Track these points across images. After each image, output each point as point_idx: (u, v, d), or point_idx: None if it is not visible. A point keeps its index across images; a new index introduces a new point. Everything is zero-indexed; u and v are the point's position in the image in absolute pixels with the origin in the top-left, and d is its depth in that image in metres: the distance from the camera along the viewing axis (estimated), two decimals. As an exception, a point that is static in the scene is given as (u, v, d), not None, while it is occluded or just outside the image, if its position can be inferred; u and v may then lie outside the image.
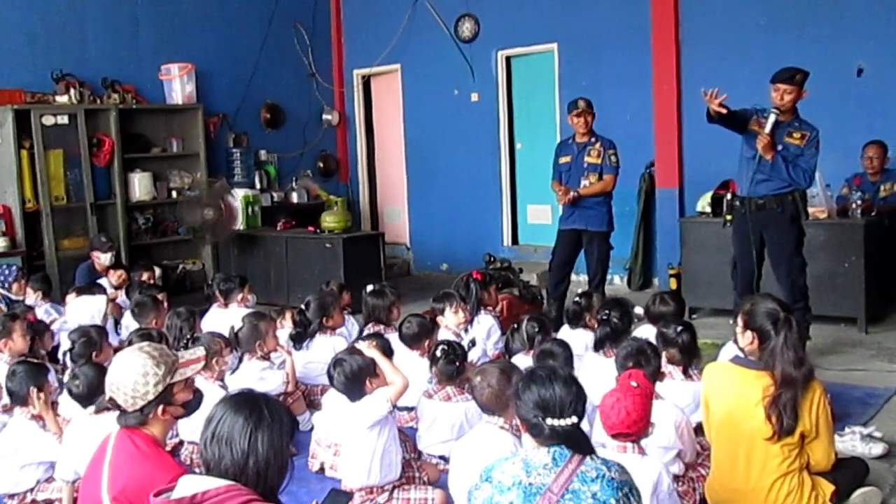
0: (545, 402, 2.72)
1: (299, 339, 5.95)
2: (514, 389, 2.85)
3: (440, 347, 4.81)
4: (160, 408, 3.04)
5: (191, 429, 4.64)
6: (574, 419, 2.72)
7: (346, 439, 4.28)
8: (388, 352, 4.69)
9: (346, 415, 4.26)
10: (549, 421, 2.70)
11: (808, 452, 3.62)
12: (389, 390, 4.14)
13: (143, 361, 3.03)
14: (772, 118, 6.08)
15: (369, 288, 6.44)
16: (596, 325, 5.45)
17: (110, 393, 3.03)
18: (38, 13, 9.34)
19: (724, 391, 3.69)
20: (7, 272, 7.11)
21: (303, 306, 6.12)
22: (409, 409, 5.22)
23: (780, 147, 6.13)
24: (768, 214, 6.23)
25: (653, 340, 4.59)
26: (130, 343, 4.79)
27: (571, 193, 7.38)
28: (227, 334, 5.41)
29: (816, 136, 6.12)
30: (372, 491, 4.12)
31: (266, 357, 5.52)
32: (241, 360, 5.59)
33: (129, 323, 6.82)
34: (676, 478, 3.87)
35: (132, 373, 3.01)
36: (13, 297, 6.91)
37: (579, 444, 2.71)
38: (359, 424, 4.11)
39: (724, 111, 5.96)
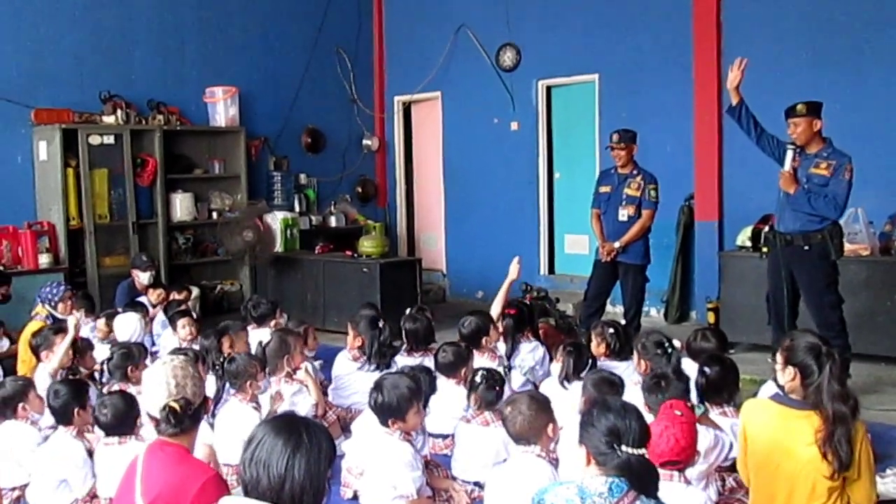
0: (619, 431, 2.74)
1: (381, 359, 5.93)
2: (585, 417, 2.87)
3: (480, 373, 4.82)
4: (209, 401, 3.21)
5: (228, 451, 4.65)
6: (644, 451, 2.75)
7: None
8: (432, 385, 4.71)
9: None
10: (623, 448, 2.72)
11: (848, 494, 3.56)
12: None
13: (183, 359, 3.24)
14: (789, 154, 6.13)
15: (408, 312, 6.45)
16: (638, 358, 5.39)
17: (177, 395, 3.08)
18: (87, 35, 9.53)
19: (763, 430, 3.63)
20: (56, 290, 7.11)
21: (381, 326, 6.02)
22: (444, 437, 5.21)
23: (804, 180, 6.09)
24: (795, 251, 6.18)
25: (693, 375, 4.54)
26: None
27: (615, 245, 7.41)
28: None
29: (845, 164, 6.00)
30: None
31: (291, 375, 5.51)
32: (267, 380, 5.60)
33: (165, 343, 6.89)
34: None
35: (187, 367, 3.16)
36: (59, 315, 6.93)
37: (645, 477, 2.72)
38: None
39: (739, 96, 6.23)
